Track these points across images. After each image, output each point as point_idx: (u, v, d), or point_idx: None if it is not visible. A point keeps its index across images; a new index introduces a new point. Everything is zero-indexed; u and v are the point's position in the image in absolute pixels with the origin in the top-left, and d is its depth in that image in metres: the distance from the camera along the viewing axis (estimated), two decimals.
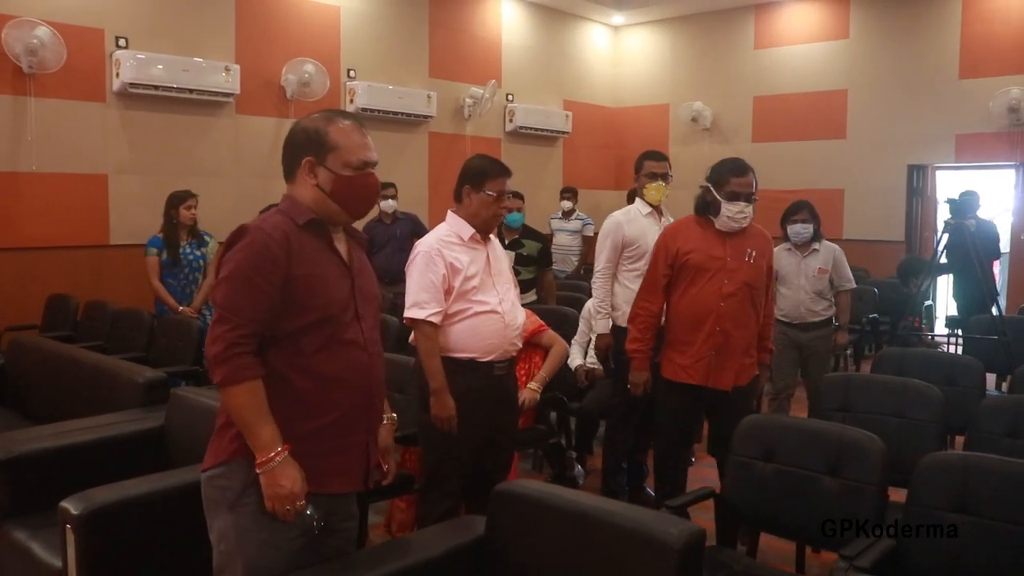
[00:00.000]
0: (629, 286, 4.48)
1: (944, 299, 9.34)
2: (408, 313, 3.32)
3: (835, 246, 5.59)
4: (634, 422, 4.61)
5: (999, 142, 9.37)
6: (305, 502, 2.12)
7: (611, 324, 4.56)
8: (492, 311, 3.36)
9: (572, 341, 5.32)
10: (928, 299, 8.48)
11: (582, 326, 5.34)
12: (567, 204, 9.15)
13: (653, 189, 4.60)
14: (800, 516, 2.94)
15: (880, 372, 4.39)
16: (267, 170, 8.19)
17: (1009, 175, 9.63)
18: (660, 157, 4.72)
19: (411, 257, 3.41)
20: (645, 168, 4.65)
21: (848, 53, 10.42)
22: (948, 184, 10.19)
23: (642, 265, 4.44)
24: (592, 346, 5.22)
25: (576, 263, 9.14)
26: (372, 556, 2.28)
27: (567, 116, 11.15)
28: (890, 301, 8.16)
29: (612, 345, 4.54)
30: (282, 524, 2.12)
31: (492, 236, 3.54)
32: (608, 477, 4.68)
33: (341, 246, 2.31)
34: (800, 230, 5.44)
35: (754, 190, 3.88)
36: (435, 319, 3.28)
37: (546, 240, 7.30)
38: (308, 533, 2.17)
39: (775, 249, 4.39)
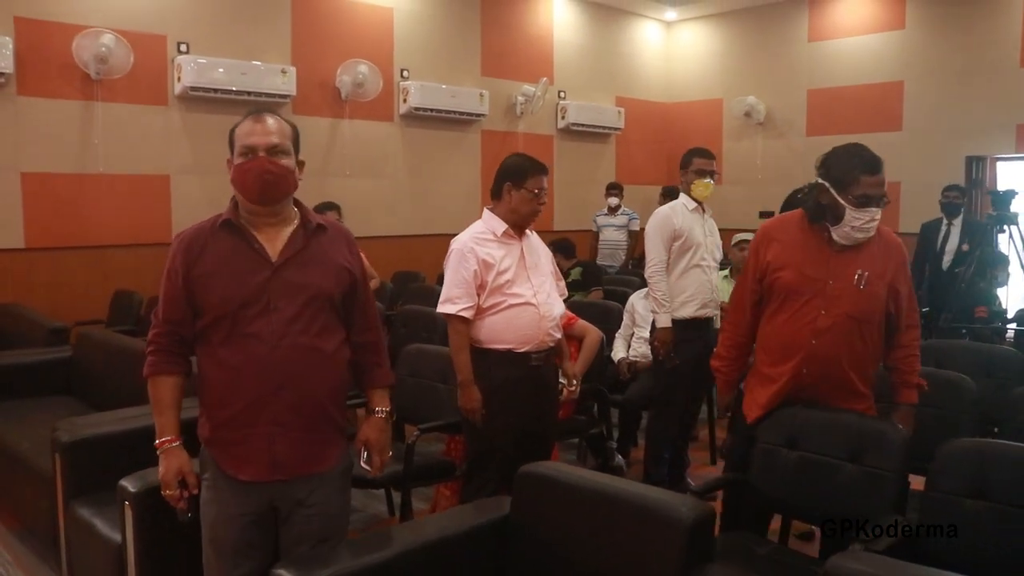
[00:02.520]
0: (677, 280, 4.60)
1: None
2: (440, 308, 3.49)
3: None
4: (676, 413, 4.70)
5: None
6: (179, 492, 2.34)
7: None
8: (527, 303, 3.48)
9: (616, 335, 5.42)
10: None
11: (626, 319, 5.44)
12: (614, 200, 9.23)
13: (702, 186, 4.71)
14: (822, 502, 3.00)
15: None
16: (323, 168, 8.44)
17: None
18: (709, 155, 4.81)
19: (447, 254, 3.56)
20: (694, 164, 4.74)
21: (904, 44, 10.28)
22: (1009, 175, 10.00)
23: (690, 257, 4.59)
24: (634, 339, 5.32)
25: (624, 257, 9.23)
26: (404, 531, 2.42)
27: (619, 112, 11.20)
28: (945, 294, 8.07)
29: (674, 339, 4.58)
30: (227, 501, 2.34)
31: (529, 231, 3.66)
32: (649, 467, 4.78)
33: (272, 240, 2.36)
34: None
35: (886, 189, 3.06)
36: (466, 314, 3.43)
37: (590, 266, 7.45)
38: (180, 517, 2.39)
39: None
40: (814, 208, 3.09)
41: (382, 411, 2.50)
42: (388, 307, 6.93)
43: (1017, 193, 7.04)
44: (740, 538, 3.14)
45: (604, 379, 4.94)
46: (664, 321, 4.60)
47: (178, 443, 2.37)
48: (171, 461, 2.34)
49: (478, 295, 3.45)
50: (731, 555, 2.96)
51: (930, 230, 7.65)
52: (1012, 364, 4.30)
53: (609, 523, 2.24)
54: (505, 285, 3.47)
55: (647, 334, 5.20)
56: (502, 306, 3.47)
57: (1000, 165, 10.03)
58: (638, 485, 2.36)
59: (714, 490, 3.15)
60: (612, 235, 9.29)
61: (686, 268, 4.62)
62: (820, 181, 3.05)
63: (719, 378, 3.50)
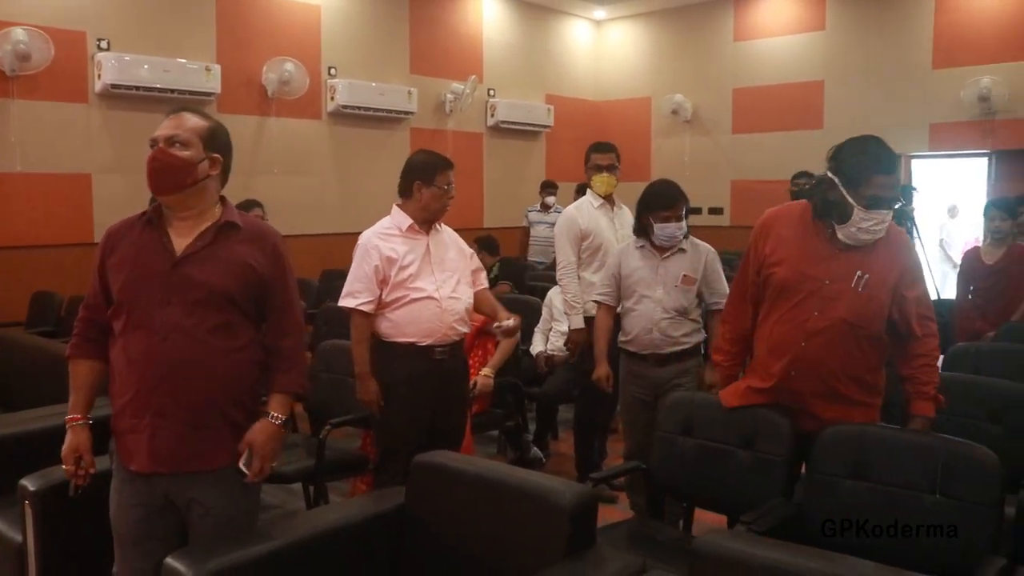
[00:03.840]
0: (590, 279, 4.63)
1: None
2: (341, 302, 3.57)
3: (709, 246, 4.10)
4: (598, 402, 4.77)
5: (972, 131, 9.51)
6: (74, 468, 2.40)
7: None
8: (428, 297, 3.54)
9: (535, 329, 5.51)
10: None
11: (544, 314, 5.53)
12: (551, 199, 9.30)
13: (600, 181, 4.77)
14: (718, 488, 3.12)
15: None
16: (249, 167, 8.37)
17: (982, 164, 9.79)
18: (606, 149, 4.84)
19: (355, 248, 3.62)
20: (591, 160, 4.81)
21: (825, 45, 10.56)
22: (923, 173, 10.35)
23: (602, 256, 4.62)
24: (552, 333, 5.42)
25: (554, 254, 9.32)
26: (299, 521, 2.46)
27: (549, 110, 11.31)
28: None
29: (587, 340, 4.55)
30: (122, 490, 2.40)
31: (440, 226, 3.71)
32: (580, 451, 4.85)
33: (184, 236, 2.40)
34: (673, 231, 3.90)
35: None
36: (366, 308, 3.50)
37: (508, 262, 7.53)
38: (70, 492, 2.44)
39: (620, 248, 4.16)
40: (821, 204, 2.85)
41: (276, 417, 2.42)
42: (313, 305, 6.94)
43: (911, 189, 7.29)
44: (643, 525, 3.26)
45: (520, 373, 5.02)
46: (576, 323, 4.64)
47: (82, 421, 2.42)
48: (71, 438, 2.41)
49: (380, 289, 3.51)
50: (630, 540, 3.07)
51: None
52: None
53: (497, 509, 2.32)
54: (408, 280, 3.53)
55: (565, 328, 5.29)
56: (404, 300, 3.52)
57: (915, 163, 10.36)
58: (524, 472, 2.44)
59: (613, 478, 3.26)
60: (544, 232, 9.40)
61: (599, 267, 4.66)
62: (829, 175, 2.81)
63: (719, 372, 3.30)
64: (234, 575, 2.12)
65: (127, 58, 7.36)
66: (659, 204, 3.86)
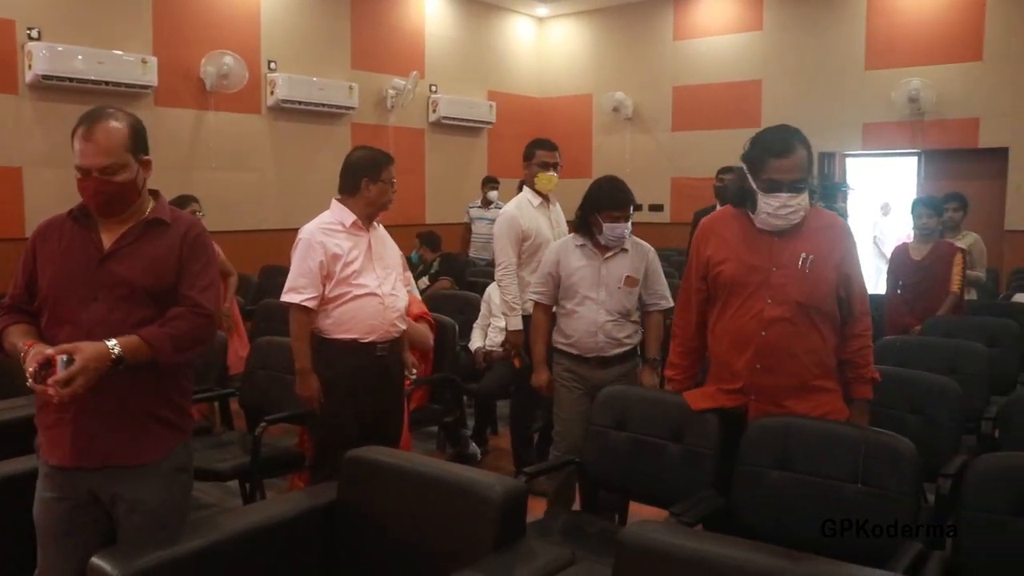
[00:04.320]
0: (529, 279, 4.55)
1: None
2: (284, 297, 3.52)
3: (649, 246, 4.00)
4: (537, 400, 4.80)
5: (902, 131, 9.76)
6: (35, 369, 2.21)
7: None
8: (371, 293, 3.55)
9: (474, 324, 5.54)
10: None
11: (483, 309, 5.55)
12: (493, 194, 9.30)
13: (545, 179, 4.73)
14: (649, 481, 3.17)
15: None
16: (187, 161, 8.28)
17: (912, 163, 10.07)
18: (552, 147, 4.83)
19: (295, 244, 3.59)
20: (537, 157, 4.75)
21: (762, 45, 10.74)
22: (856, 171, 10.60)
23: (539, 257, 4.54)
24: (491, 328, 5.45)
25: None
26: (230, 517, 2.45)
27: (491, 106, 11.33)
28: None
29: (525, 341, 4.52)
30: (44, 485, 2.37)
31: (376, 223, 3.71)
32: (518, 449, 4.88)
33: (113, 232, 2.37)
34: (623, 231, 3.79)
35: (806, 173, 2.87)
36: (310, 304, 3.48)
37: (449, 258, 7.49)
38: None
39: (557, 246, 3.96)
40: (738, 193, 2.96)
41: (115, 345, 2.20)
42: (253, 301, 6.88)
43: (845, 188, 7.46)
44: (578, 518, 3.30)
45: (458, 369, 5.04)
46: (515, 324, 4.60)
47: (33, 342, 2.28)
48: (27, 356, 2.20)
49: (324, 285, 3.50)
50: (563, 533, 3.11)
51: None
52: None
53: (428, 504, 2.34)
54: (351, 276, 3.53)
55: (503, 324, 5.32)
56: (347, 297, 3.52)
57: (849, 161, 10.60)
58: (455, 467, 2.47)
59: (545, 472, 3.29)
60: (485, 228, 9.38)
61: (539, 267, 4.65)
62: (740, 164, 2.92)
63: (673, 387, 3.25)
64: (161, 574, 2.11)
65: (60, 48, 7.21)
66: (611, 204, 3.72)
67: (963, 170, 9.60)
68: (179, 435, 2.46)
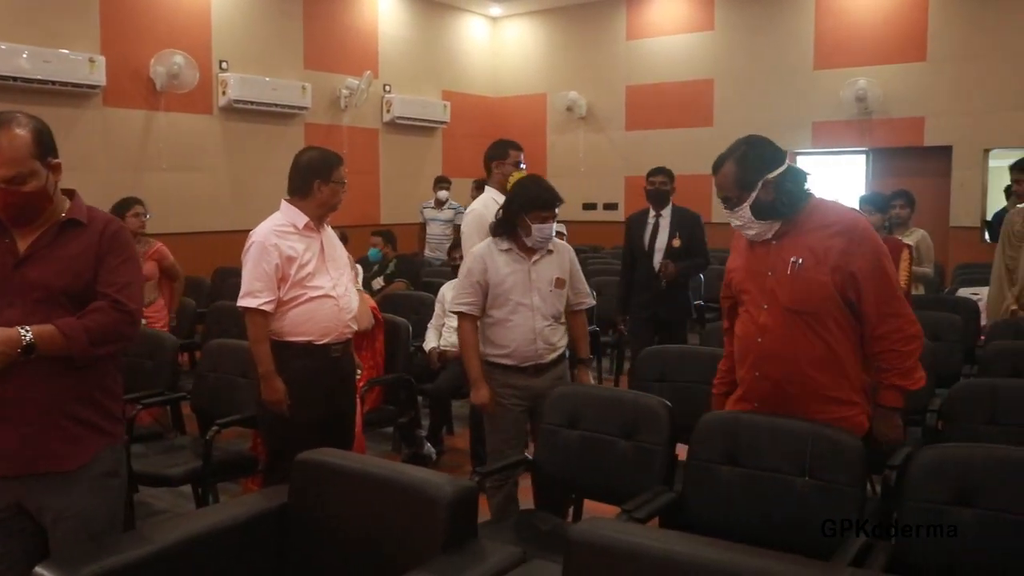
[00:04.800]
0: None
1: None
2: (241, 302, 3.46)
3: (567, 244, 3.96)
4: None
5: (850, 129, 9.94)
6: None
7: None
8: (326, 295, 3.53)
9: (428, 325, 5.53)
10: None
11: (437, 309, 5.54)
12: (443, 194, 9.31)
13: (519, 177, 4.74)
14: (601, 478, 3.20)
15: (709, 344, 4.68)
16: (137, 162, 8.17)
17: (860, 160, 10.25)
18: (521, 147, 4.82)
19: (246, 247, 3.55)
20: (511, 157, 4.72)
21: (713, 44, 10.87)
22: (807, 169, 10.70)
23: None
24: (445, 328, 5.45)
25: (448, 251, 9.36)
26: (179, 523, 2.42)
27: (445, 106, 11.33)
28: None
29: None
30: None
31: (326, 224, 3.69)
32: (476, 448, 4.84)
33: (28, 236, 2.32)
34: (551, 232, 3.69)
35: (734, 189, 2.80)
36: (267, 308, 3.44)
37: (405, 259, 7.46)
38: None
39: (480, 252, 3.69)
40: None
41: (27, 330, 2.19)
42: (205, 304, 6.80)
43: None
44: (531, 517, 3.31)
45: (413, 369, 5.03)
46: None
47: None
48: None
49: (279, 288, 3.47)
50: (516, 532, 3.13)
51: (635, 222, 5.93)
52: None
53: (379, 505, 2.34)
54: (306, 278, 3.50)
55: (457, 324, 5.33)
56: (302, 299, 3.49)
57: (800, 159, 10.75)
58: (406, 468, 2.46)
59: (500, 472, 3.30)
60: (438, 229, 9.41)
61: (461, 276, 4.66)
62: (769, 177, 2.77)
63: (716, 401, 3.20)
64: None
65: (3, 47, 7.10)
66: (540, 204, 3.59)
67: (909, 168, 9.80)
68: (106, 439, 2.41)
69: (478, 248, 3.77)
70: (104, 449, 2.39)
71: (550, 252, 3.70)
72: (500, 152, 4.78)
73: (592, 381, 3.82)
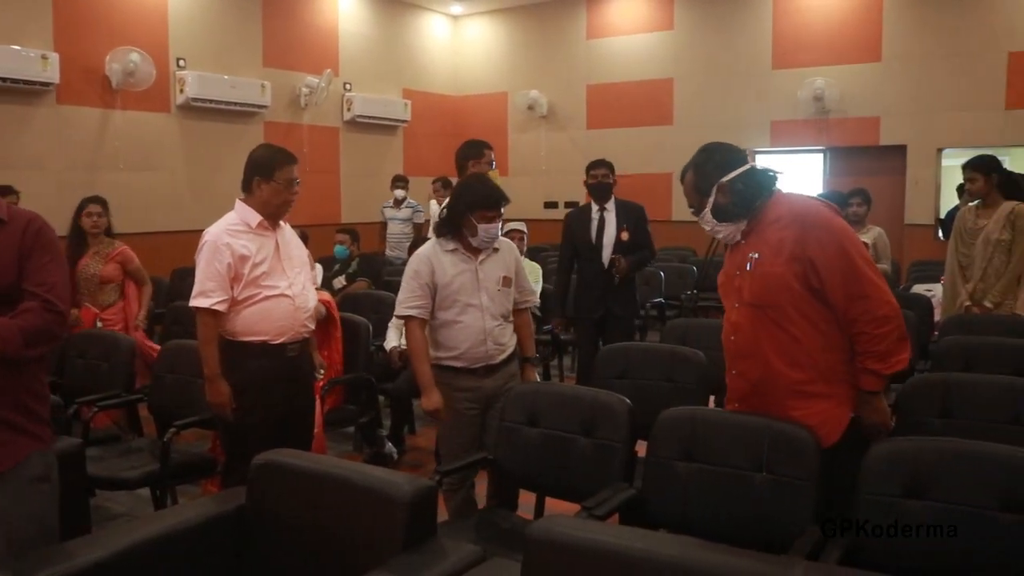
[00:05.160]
0: None
1: None
2: (193, 302, 3.43)
3: (511, 242, 3.87)
4: None
5: (808, 128, 10.06)
6: None
7: None
8: (282, 294, 3.50)
9: (389, 324, 5.51)
10: None
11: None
12: (400, 193, 9.31)
13: (493, 175, 4.68)
14: (562, 476, 3.21)
15: (667, 341, 4.74)
16: (92, 162, 8.05)
17: (818, 159, 10.38)
18: (490, 146, 4.76)
19: (199, 246, 3.51)
20: (486, 156, 4.67)
21: (673, 44, 10.95)
22: (777, 168, 10.84)
23: None
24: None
25: (408, 249, 9.34)
26: (134, 527, 2.39)
27: (406, 105, 11.29)
28: (709, 278, 8.65)
29: None
30: None
31: (283, 222, 3.66)
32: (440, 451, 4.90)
33: None
34: (497, 231, 3.64)
35: (696, 196, 2.89)
36: (220, 308, 3.41)
37: (367, 258, 7.40)
38: None
39: (426, 253, 3.60)
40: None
41: None
42: (163, 304, 6.73)
43: None
44: (492, 515, 3.31)
45: (373, 368, 5.01)
46: None
47: None
48: None
49: (232, 287, 3.43)
50: (476, 531, 3.13)
51: (578, 219, 5.67)
52: None
53: (338, 506, 2.32)
54: (261, 277, 3.47)
55: None
56: (257, 298, 3.47)
57: (759, 158, 10.86)
58: (365, 468, 2.45)
59: (460, 471, 3.30)
60: (397, 227, 9.40)
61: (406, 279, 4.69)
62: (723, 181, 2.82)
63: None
64: None
65: None
66: (487, 203, 3.53)
67: (866, 166, 9.95)
68: (34, 442, 2.36)
69: (423, 250, 3.68)
70: (33, 453, 2.34)
71: (496, 251, 3.65)
72: (475, 151, 4.71)
73: (537, 379, 3.78)
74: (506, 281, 3.65)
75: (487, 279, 3.59)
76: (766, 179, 2.87)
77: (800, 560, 2.33)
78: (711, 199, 2.83)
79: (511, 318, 3.73)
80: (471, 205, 3.52)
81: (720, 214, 2.84)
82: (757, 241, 2.81)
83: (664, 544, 2.04)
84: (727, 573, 1.83)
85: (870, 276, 2.70)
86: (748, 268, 2.80)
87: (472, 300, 3.56)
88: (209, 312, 3.41)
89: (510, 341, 3.70)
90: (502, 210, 3.59)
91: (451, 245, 3.58)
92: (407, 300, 3.60)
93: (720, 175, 2.83)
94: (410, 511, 2.19)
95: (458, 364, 3.58)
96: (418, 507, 2.21)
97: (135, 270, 5.45)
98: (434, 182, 9.17)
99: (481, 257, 3.60)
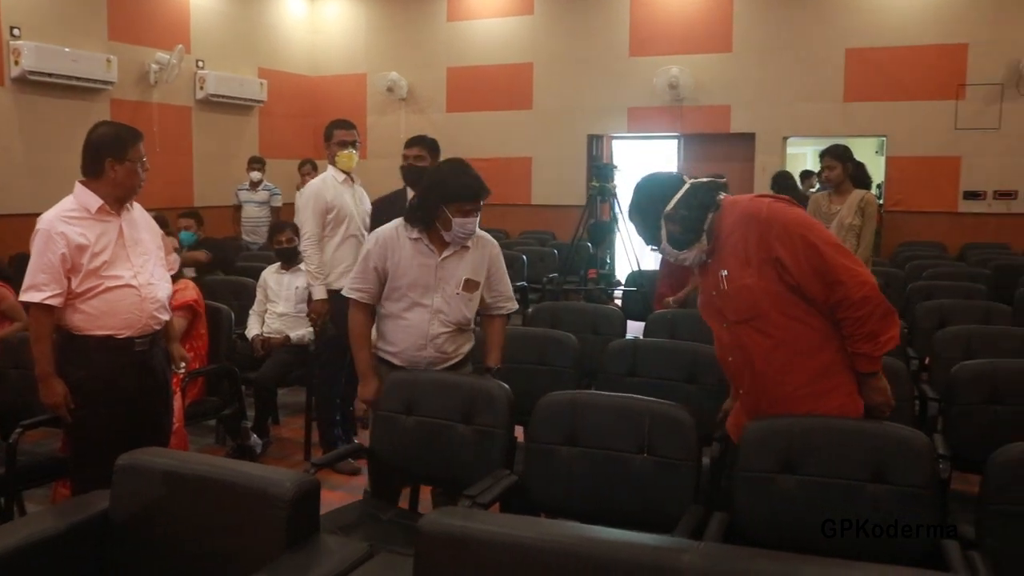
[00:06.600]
0: (333, 252, 4.75)
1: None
2: (24, 296, 3.15)
3: (493, 240, 3.53)
4: (340, 377, 4.78)
5: (663, 115, 10.31)
6: None
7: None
8: (126, 285, 3.25)
9: (250, 311, 5.33)
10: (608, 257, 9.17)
11: (259, 295, 5.35)
12: (256, 175, 9.04)
13: (345, 157, 4.84)
14: (441, 464, 3.16)
15: (536, 325, 4.77)
16: None
17: (673, 145, 10.68)
18: (349, 125, 4.97)
19: (33, 235, 3.22)
20: (336, 137, 4.89)
21: (533, 28, 10.98)
22: (623, 153, 11.11)
23: (343, 230, 4.74)
24: (268, 315, 5.28)
25: (266, 233, 9.05)
26: None
27: (262, 84, 10.91)
28: (573, 262, 8.76)
29: (329, 310, 4.67)
30: None
31: (131, 205, 3.41)
32: (324, 431, 4.86)
33: None
34: (474, 227, 3.35)
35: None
36: (54, 302, 3.14)
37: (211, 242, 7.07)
38: None
39: (384, 235, 3.36)
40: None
41: None
42: None
43: (615, 168, 7.84)
44: (370, 506, 3.24)
45: (235, 357, 4.83)
46: (319, 293, 4.73)
47: None
48: None
49: (69, 279, 3.16)
50: (358, 524, 3.04)
51: (389, 207, 4.62)
52: (614, 321, 4.80)
53: (212, 506, 2.21)
54: (102, 267, 3.20)
55: (282, 309, 5.19)
56: (99, 289, 3.20)
57: (616, 143, 11.09)
58: (239, 465, 2.35)
59: (336, 462, 3.21)
60: (254, 211, 9.11)
61: (342, 240, 4.77)
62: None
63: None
64: None
65: None
66: (465, 195, 3.22)
67: (718, 153, 10.30)
68: None
69: (383, 230, 3.39)
70: None
71: (466, 248, 3.35)
72: (327, 134, 4.95)
73: None
74: (470, 285, 3.35)
75: (446, 279, 3.32)
76: (707, 194, 2.77)
77: (685, 538, 2.38)
78: (663, 232, 2.78)
79: (470, 327, 3.47)
80: (446, 197, 3.23)
81: (677, 243, 2.78)
82: (721, 257, 2.76)
83: (554, 531, 2.04)
84: (624, 558, 1.84)
85: (840, 261, 2.64)
86: (723, 287, 2.74)
87: (423, 300, 3.32)
88: (42, 307, 3.13)
89: (460, 351, 3.44)
90: (481, 203, 3.30)
91: (416, 234, 3.30)
92: (352, 281, 3.41)
93: (661, 207, 2.77)
94: (293, 509, 2.11)
95: (395, 361, 3.40)
96: (301, 504, 2.14)
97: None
98: (301, 165, 8.94)
99: (445, 253, 3.32)
